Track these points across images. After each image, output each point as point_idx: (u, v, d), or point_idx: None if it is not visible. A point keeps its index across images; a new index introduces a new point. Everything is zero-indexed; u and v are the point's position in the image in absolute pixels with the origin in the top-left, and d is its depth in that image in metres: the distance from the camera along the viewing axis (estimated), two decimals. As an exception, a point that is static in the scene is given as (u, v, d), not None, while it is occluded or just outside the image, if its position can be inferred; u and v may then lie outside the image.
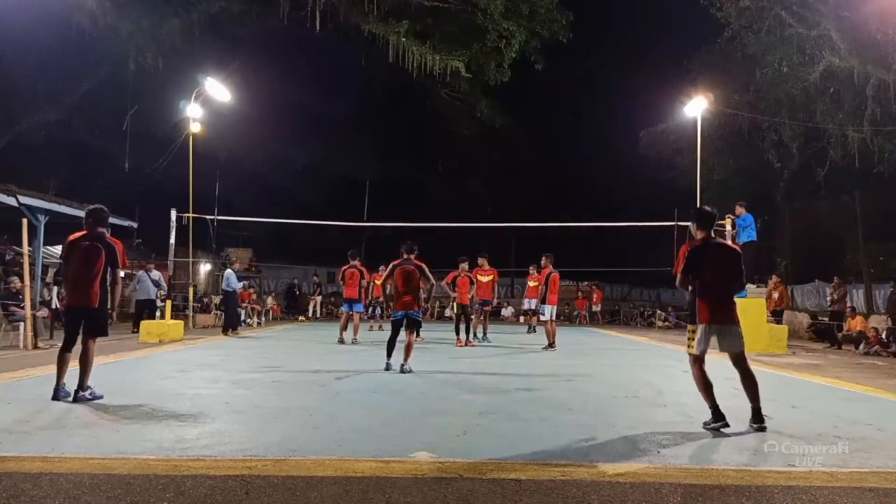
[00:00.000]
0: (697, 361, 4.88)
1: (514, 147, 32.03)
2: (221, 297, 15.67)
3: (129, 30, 17.99)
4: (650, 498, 3.16)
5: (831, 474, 3.60)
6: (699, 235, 5.00)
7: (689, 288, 4.91)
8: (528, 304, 16.07)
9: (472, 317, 12.86)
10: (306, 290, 25.61)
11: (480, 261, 13.04)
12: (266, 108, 24.33)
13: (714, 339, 4.83)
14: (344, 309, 12.89)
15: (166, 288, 14.31)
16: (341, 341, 11.93)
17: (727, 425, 4.68)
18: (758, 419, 4.67)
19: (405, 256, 7.97)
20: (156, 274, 14.55)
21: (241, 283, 16.36)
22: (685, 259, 4.91)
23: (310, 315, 22.32)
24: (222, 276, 15.28)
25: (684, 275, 4.91)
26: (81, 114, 21.32)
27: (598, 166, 33.36)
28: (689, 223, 5.37)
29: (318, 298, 23.59)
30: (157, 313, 13.44)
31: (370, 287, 14.10)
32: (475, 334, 12.97)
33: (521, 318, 24.60)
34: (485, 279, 12.90)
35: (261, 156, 28.10)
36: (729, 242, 5.13)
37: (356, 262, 12.47)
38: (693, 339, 4.86)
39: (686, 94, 17.60)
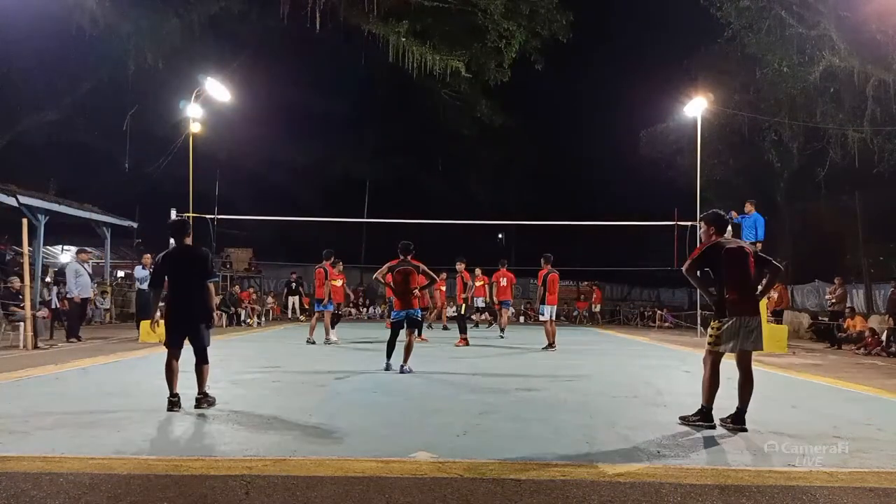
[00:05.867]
0: (715, 358, 4.84)
1: (514, 147, 32.02)
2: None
3: (129, 30, 17.97)
4: (650, 498, 3.16)
5: (831, 474, 3.60)
6: (713, 235, 4.97)
7: (700, 279, 4.89)
8: (477, 302, 15.40)
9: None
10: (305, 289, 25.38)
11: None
12: (266, 108, 24.33)
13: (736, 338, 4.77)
14: (316, 309, 12.40)
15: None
16: (326, 342, 11.75)
17: (712, 427, 4.70)
18: (739, 421, 4.66)
19: (402, 257, 7.97)
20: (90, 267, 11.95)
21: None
22: (700, 253, 4.90)
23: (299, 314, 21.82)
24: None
25: (693, 263, 4.91)
26: (81, 114, 21.29)
27: (598, 166, 33.36)
28: (697, 224, 5.34)
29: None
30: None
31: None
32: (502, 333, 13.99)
33: (522, 317, 24.63)
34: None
35: (261, 156, 28.10)
36: (741, 242, 5.10)
37: (324, 263, 12.03)
38: (719, 336, 4.77)
39: (686, 94, 17.61)
